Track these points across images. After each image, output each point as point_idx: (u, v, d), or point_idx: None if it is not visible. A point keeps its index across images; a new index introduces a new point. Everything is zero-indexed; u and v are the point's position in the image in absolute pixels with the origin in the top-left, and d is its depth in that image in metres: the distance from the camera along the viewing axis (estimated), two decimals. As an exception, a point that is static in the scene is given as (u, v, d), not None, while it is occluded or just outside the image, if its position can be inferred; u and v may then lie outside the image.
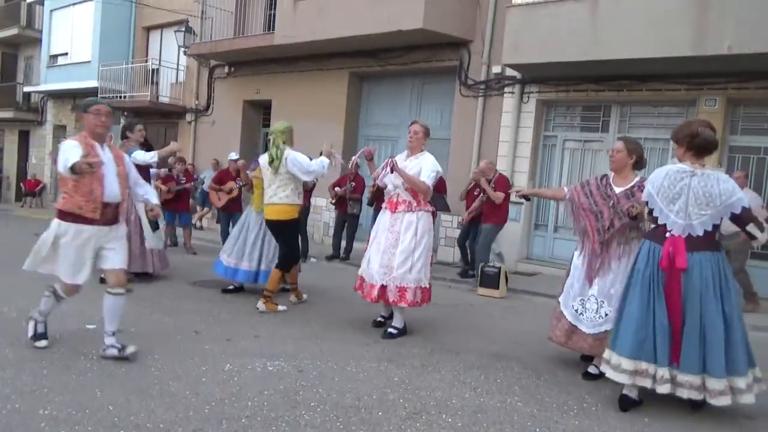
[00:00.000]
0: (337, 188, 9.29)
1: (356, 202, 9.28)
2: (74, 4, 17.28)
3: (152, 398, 3.22)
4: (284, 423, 3.02)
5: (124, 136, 6.65)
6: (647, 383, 3.42)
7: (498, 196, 7.60)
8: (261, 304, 5.53)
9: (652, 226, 3.63)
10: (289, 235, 5.62)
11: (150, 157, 6.48)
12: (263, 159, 5.60)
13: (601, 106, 9.07)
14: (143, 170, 6.50)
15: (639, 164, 4.17)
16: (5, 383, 3.28)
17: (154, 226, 6.42)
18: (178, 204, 9.40)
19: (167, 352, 4.04)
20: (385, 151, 11.14)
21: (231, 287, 6.38)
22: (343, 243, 9.52)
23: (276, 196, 5.42)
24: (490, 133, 9.75)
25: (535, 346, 4.95)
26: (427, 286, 4.91)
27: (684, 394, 3.37)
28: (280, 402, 3.29)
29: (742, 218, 3.37)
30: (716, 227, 3.43)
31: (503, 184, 7.77)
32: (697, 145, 3.42)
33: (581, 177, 9.24)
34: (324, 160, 5.51)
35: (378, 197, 8.96)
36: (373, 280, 4.84)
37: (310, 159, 5.52)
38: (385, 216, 4.98)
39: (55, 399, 3.11)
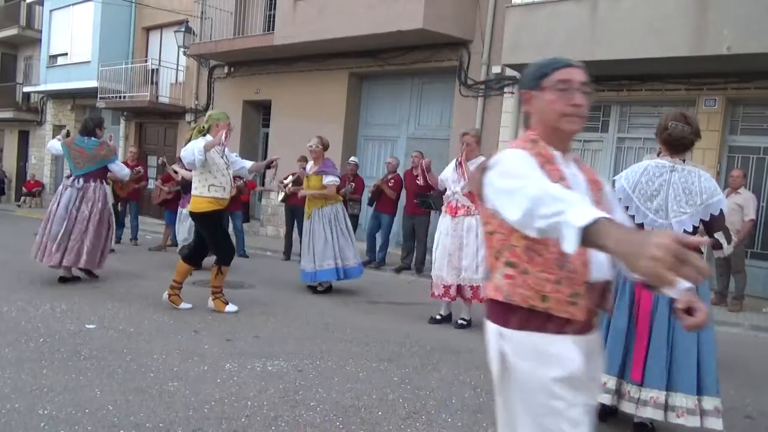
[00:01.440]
0: (336, 189, 9.28)
1: (356, 202, 9.28)
2: (74, 4, 17.28)
3: (152, 398, 3.22)
4: (284, 422, 3.02)
5: (90, 133, 6.27)
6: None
7: None
8: (210, 302, 5.42)
9: None
10: (205, 229, 5.33)
11: (126, 174, 6.64)
12: None
13: (600, 106, 9.07)
14: (103, 172, 6.36)
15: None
16: (5, 382, 3.28)
17: (117, 224, 6.57)
18: (177, 204, 9.39)
19: (166, 352, 4.03)
20: (385, 151, 11.17)
21: (319, 287, 6.61)
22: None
23: (196, 189, 5.20)
24: (490, 134, 9.74)
25: (534, 345, 4.95)
26: None
27: (643, 412, 3.01)
28: (279, 402, 3.29)
29: (717, 221, 3.08)
30: (696, 229, 3.11)
31: None
32: (665, 141, 3.14)
33: (581, 177, 9.24)
34: (197, 145, 5.00)
35: (378, 197, 8.99)
36: (444, 281, 5.23)
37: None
38: (446, 220, 5.30)
39: (54, 399, 3.11)
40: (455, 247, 5.18)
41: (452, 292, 5.24)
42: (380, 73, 11.30)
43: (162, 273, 7.11)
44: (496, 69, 9.55)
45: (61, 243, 6.00)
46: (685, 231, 3.04)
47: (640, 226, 3.11)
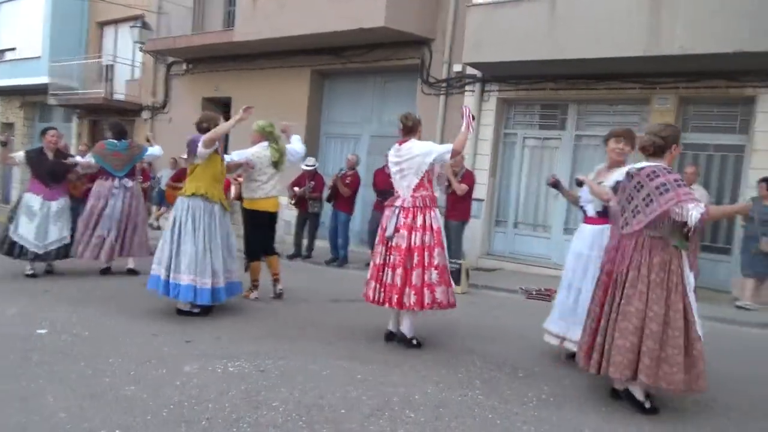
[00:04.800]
0: (296, 188, 9.22)
1: (316, 201, 9.24)
2: (23, -4, 16.67)
3: (107, 403, 3.12)
4: (246, 424, 2.97)
5: (122, 135, 7.01)
6: None
7: (461, 188, 7.68)
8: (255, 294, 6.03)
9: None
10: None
11: (158, 150, 7.15)
12: (261, 153, 5.89)
13: (559, 105, 9.26)
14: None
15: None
16: (-51, 392, 3.13)
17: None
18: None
19: (123, 356, 3.92)
20: (348, 148, 11.12)
21: (195, 310, 5.10)
22: (305, 241, 9.47)
23: (275, 189, 5.86)
24: (452, 131, 9.81)
25: (496, 341, 5.02)
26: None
27: None
28: (241, 403, 3.24)
29: None
30: None
31: (468, 179, 7.88)
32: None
33: (540, 174, 9.40)
34: (295, 137, 6.19)
35: (336, 195, 8.95)
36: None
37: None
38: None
39: (3, 408, 2.99)
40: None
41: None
42: (342, 70, 11.25)
43: (118, 275, 6.91)
44: (457, 67, 9.64)
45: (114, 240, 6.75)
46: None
47: None
